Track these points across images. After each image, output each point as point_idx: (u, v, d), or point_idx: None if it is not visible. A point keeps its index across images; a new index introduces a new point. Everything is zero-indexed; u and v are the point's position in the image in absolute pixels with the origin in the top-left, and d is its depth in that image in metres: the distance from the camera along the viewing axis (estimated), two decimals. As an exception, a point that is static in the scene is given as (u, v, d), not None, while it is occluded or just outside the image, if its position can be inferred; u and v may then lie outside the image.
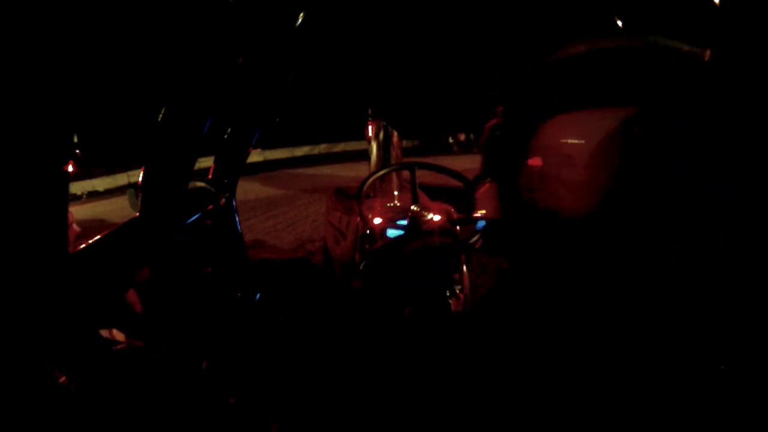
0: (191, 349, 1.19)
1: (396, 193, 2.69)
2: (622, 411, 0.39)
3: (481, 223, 1.41)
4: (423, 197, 2.42)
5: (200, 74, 0.79)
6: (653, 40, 0.44)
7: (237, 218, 1.30)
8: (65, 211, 0.41)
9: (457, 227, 2.14)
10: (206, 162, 1.19)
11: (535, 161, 0.55)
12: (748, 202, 0.26)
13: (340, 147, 16.09)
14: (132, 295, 1.36)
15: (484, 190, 0.67)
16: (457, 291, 1.19)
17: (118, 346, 1.35)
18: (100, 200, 10.34)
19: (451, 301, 0.78)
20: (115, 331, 1.40)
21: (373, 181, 2.47)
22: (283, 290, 2.07)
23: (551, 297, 0.47)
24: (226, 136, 1.17)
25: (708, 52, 0.43)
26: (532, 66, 0.52)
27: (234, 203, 1.29)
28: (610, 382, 0.41)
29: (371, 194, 2.89)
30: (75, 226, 1.44)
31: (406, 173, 2.61)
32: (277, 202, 7.54)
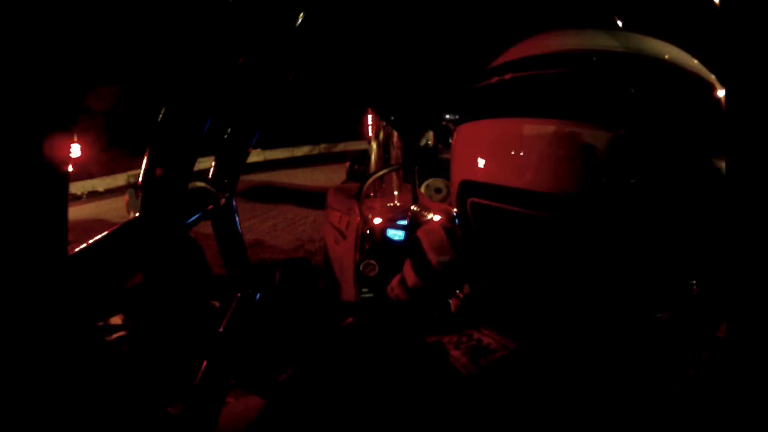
0: (190, 349, 1.19)
1: (396, 193, 2.69)
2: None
3: None
4: (423, 197, 2.42)
5: (200, 74, 0.79)
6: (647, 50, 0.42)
7: (237, 218, 1.30)
8: (65, 211, 0.41)
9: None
10: (206, 162, 1.19)
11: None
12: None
13: (340, 147, 16.09)
14: None
15: None
16: (457, 291, 1.20)
17: (115, 335, 1.35)
18: (100, 200, 10.34)
19: (450, 302, 0.78)
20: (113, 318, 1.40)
21: (373, 181, 2.48)
22: (283, 290, 2.07)
23: (549, 296, 0.47)
24: (226, 136, 1.17)
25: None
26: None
27: (234, 203, 1.29)
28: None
29: (371, 194, 2.89)
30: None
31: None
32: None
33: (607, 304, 0.43)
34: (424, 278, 0.76)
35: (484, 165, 0.46)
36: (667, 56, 0.42)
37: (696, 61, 0.43)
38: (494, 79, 0.47)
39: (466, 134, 0.51)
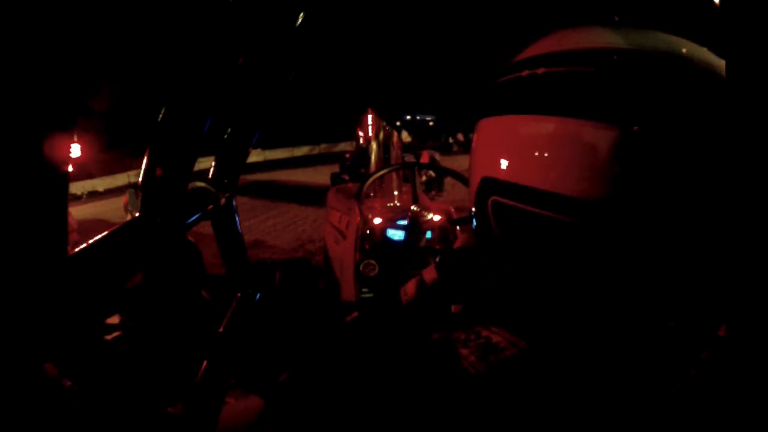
0: (190, 349, 1.19)
1: (396, 193, 2.69)
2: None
3: None
4: (423, 197, 2.42)
5: (200, 74, 0.79)
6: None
7: (237, 218, 1.30)
8: (65, 211, 0.41)
9: (457, 227, 2.15)
10: (206, 162, 1.19)
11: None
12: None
13: (340, 147, 16.12)
14: None
15: None
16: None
17: (113, 335, 1.35)
18: (100, 200, 10.34)
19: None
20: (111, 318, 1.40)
21: (373, 181, 2.48)
22: (283, 290, 2.07)
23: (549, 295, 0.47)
24: (226, 136, 1.17)
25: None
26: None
27: (234, 203, 1.29)
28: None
29: (371, 194, 2.89)
30: (74, 235, 1.45)
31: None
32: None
33: (621, 307, 0.43)
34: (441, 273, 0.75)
35: (509, 163, 0.45)
36: (689, 53, 0.41)
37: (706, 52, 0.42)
38: (525, 73, 0.46)
39: (489, 129, 0.49)
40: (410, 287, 0.80)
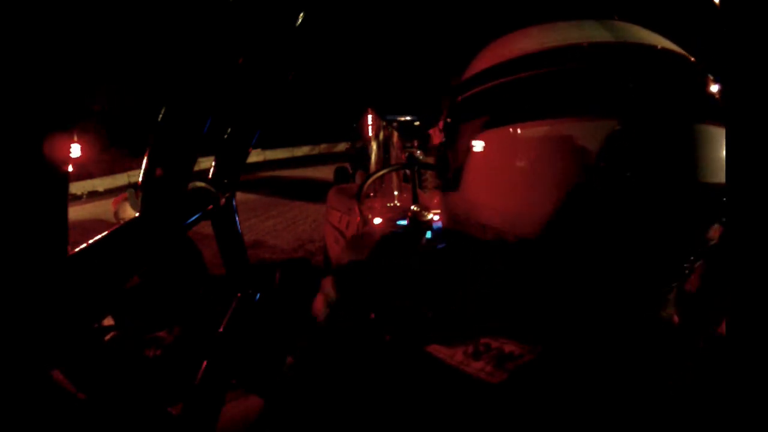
0: (190, 349, 1.19)
1: (396, 193, 2.69)
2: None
3: None
4: (423, 197, 2.42)
5: (200, 74, 0.79)
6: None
7: (237, 218, 1.30)
8: (65, 211, 0.41)
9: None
10: (206, 162, 1.19)
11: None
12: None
13: (340, 147, 16.16)
14: None
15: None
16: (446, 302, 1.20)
17: (109, 335, 1.35)
18: (100, 200, 10.35)
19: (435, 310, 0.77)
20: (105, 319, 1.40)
21: (373, 181, 2.48)
22: (283, 290, 2.07)
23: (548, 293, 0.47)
24: (226, 136, 1.17)
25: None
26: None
27: (234, 203, 1.29)
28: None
29: (371, 194, 2.89)
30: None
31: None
32: None
33: (617, 301, 0.43)
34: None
35: (507, 169, 0.45)
36: (657, 43, 0.42)
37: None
38: (510, 78, 0.45)
39: (487, 144, 0.48)
40: (319, 306, 0.76)
